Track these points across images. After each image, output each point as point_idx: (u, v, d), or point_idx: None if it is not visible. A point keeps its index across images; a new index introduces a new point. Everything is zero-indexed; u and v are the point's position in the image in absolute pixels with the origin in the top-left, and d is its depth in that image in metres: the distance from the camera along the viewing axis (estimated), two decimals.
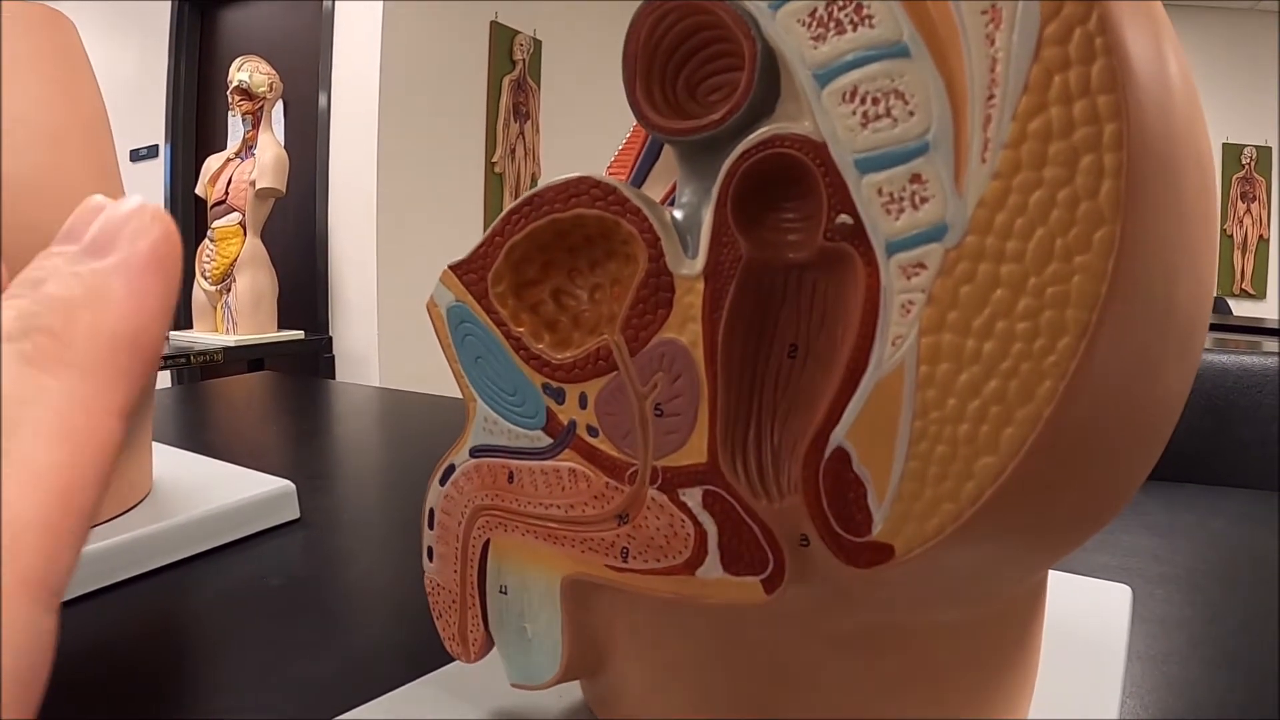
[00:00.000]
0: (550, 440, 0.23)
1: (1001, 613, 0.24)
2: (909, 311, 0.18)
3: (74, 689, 0.38)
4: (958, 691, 0.23)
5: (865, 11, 0.18)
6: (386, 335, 3.33)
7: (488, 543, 0.26)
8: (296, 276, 3.43)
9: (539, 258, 0.23)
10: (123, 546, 0.51)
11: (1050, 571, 0.29)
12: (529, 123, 3.97)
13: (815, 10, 0.19)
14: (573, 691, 0.31)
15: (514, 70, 3.84)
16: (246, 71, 2.70)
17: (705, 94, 0.22)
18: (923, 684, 0.23)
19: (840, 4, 0.19)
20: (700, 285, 0.20)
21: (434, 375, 3.38)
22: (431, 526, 0.28)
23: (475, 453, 0.26)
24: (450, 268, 0.25)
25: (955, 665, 0.23)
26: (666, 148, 0.27)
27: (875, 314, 0.18)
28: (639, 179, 0.28)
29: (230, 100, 2.74)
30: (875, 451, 0.18)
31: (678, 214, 0.21)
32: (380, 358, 3.31)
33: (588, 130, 4.37)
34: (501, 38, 3.75)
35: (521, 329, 0.23)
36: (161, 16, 4.01)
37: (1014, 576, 0.22)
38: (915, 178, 0.18)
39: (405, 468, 0.84)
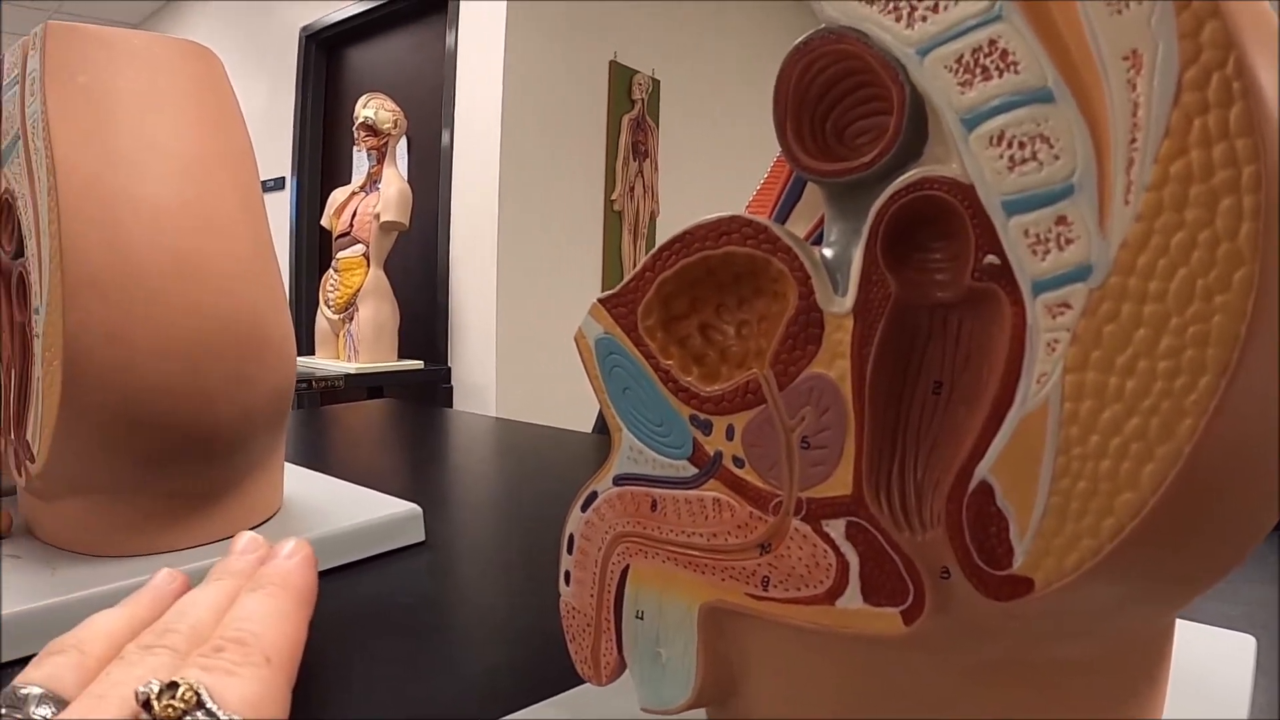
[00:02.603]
0: (696, 470, 0.26)
1: (1130, 653, 0.25)
2: (1054, 350, 0.20)
3: None
4: None
5: (1011, 58, 0.21)
6: (504, 367, 3.49)
7: (627, 569, 0.29)
8: (417, 307, 3.63)
9: (688, 293, 0.26)
10: None
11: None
12: (647, 161, 4.15)
13: (962, 56, 0.21)
14: (699, 714, 0.34)
15: (633, 109, 4.07)
16: (372, 108, 2.92)
17: (853, 136, 0.24)
18: None
19: (986, 50, 0.21)
20: (849, 322, 0.22)
21: (549, 408, 3.51)
22: (570, 551, 0.31)
23: (619, 480, 0.29)
24: (600, 301, 0.28)
25: (1082, 704, 0.25)
26: (809, 185, 0.29)
27: (1021, 352, 0.20)
28: (783, 216, 0.31)
29: (356, 136, 2.96)
30: (1019, 486, 0.20)
31: (827, 252, 0.24)
32: (497, 389, 3.44)
33: (705, 168, 4.61)
34: (620, 77, 3.99)
35: (670, 362, 0.26)
36: (289, 55, 4.45)
37: (1145, 616, 0.24)
38: (1061, 219, 0.20)
39: (523, 497, 0.90)
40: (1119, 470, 0.19)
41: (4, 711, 0.22)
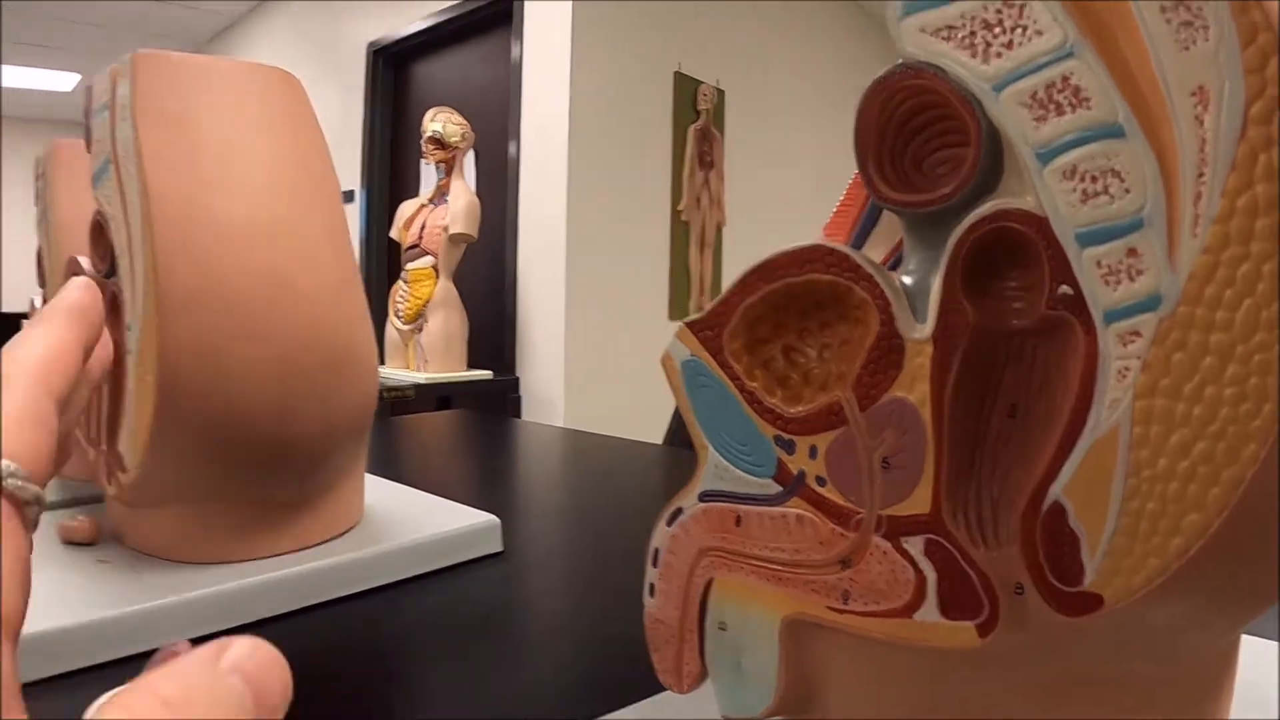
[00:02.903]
0: (780, 488, 0.28)
1: (1193, 671, 0.27)
2: (1125, 377, 0.22)
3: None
4: None
5: (1083, 94, 0.22)
6: (572, 377, 3.58)
7: (710, 582, 0.31)
8: (486, 318, 3.74)
9: (772, 318, 0.28)
10: (338, 568, 0.61)
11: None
12: (713, 171, 4.24)
13: (1036, 92, 0.23)
14: None
15: (698, 120, 4.18)
16: (440, 122, 3.05)
17: (932, 167, 0.26)
18: None
19: (1059, 86, 0.23)
20: (929, 348, 0.24)
21: (617, 418, 3.58)
22: (655, 564, 0.33)
23: (704, 497, 0.31)
24: (686, 325, 0.30)
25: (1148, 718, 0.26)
26: (886, 211, 0.31)
27: (1093, 378, 0.22)
28: (859, 241, 0.33)
29: (424, 149, 3.10)
30: (1090, 507, 0.22)
31: (907, 280, 0.26)
32: (565, 399, 3.52)
33: (771, 178, 4.71)
34: (685, 88, 4.10)
35: (755, 384, 0.28)
36: (358, 70, 4.67)
37: (1208, 634, 0.25)
38: (1132, 251, 0.22)
39: (595, 507, 0.95)
40: (1186, 492, 0.21)
41: None
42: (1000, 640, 0.24)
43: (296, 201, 0.60)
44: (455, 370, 3.10)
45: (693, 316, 0.30)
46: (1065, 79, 0.23)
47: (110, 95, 0.60)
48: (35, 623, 0.45)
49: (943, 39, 0.25)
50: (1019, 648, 0.25)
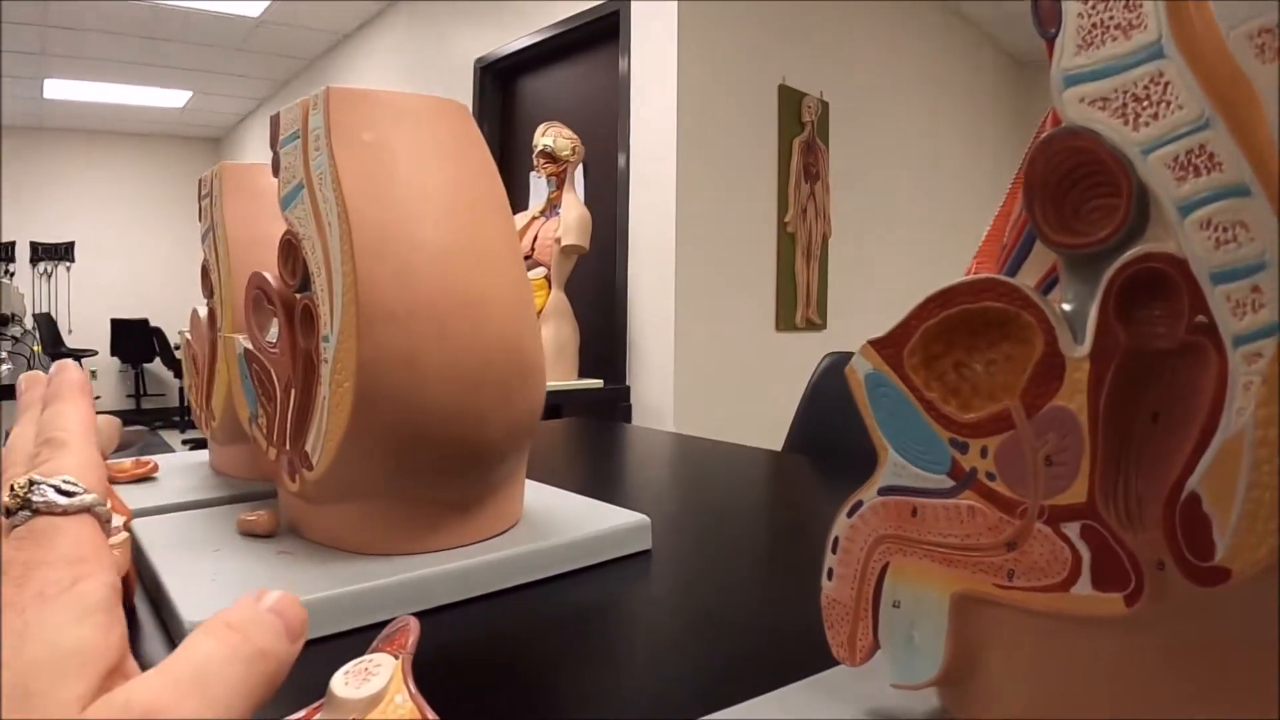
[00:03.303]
0: (953, 483, 0.35)
1: None
2: (1249, 389, 0.28)
3: (455, 677, 0.55)
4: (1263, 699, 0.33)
5: (1216, 159, 0.29)
6: (682, 386, 3.69)
7: (886, 565, 0.39)
8: (597, 328, 3.87)
9: (946, 337, 0.36)
10: (506, 561, 0.70)
11: None
12: (819, 183, 4.36)
13: (1178, 156, 0.30)
14: (930, 698, 0.43)
15: (803, 132, 4.33)
16: (550, 136, 3.20)
17: (1087, 214, 0.33)
18: (1238, 691, 0.32)
19: (1197, 152, 0.30)
20: (1086, 365, 0.31)
21: (726, 426, 3.68)
22: (835, 551, 0.41)
23: (883, 491, 0.38)
24: (869, 343, 0.38)
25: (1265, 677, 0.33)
26: (1036, 244, 0.38)
27: (1224, 391, 0.29)
28: (1013, 270, 0.40)
29: (535, 163, 3.26)
30: (1220, 495, 0.29)
31: (1066, 308, 0.33)
32: (675, 408, 3.63)
33: (875, 189, 4.85)
34: (790, 100, 4.26)
35: (932, 394, 0.36)
36: (464, 86, 4.94)
37: None
38: (1255, 288, 0.28)
39: (725, 509, 1.06)
40: None
41: None
42: (1144, 609, 0.31)
43: (478, 221, 0.69)
44: (567, 379, 3.24)
45: (874, 337, 0.37)
46: (1202, 146, 0.30)
47: (301, 125, 0.69)
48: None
49: (1099, 108, 0.32)
50: (1159, 616, 0.31)
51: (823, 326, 4.40)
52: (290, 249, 0.72)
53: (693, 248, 3.74)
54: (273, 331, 0.77)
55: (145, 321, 9.32)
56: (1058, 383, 0.32)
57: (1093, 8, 0.33)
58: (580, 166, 3.49)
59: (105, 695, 0.26)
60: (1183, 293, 0.30)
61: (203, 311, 1.04)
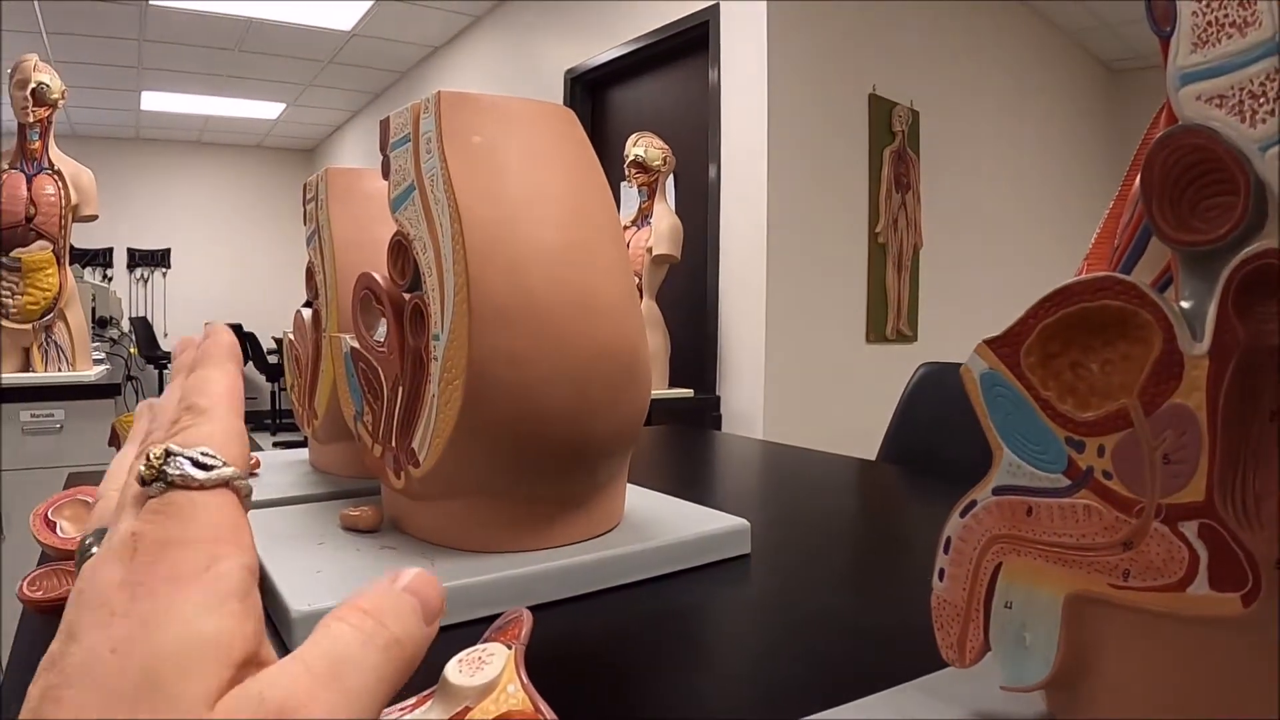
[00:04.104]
0: (1069, 482, 0.36)
1: None
2: None
3: (560, 672, 0.56)
4: None
5: None
6: (772, 396, 3.73)
7: (999, 566, 0.39)
8: (688, 337, 3.90)
9: (1062, 336, 0.36)
10: (610, 561, 0.72)
11: None
12: (910, 193, 4.36)
13: None
14: (1037, 702, 0.43)
15: (894, 142, 4.32)
16: (642, 147, 3.27)
17: (1204, 211, 0.33)
18: None
19: None
20: (1205, 362, 0.32)
21: (815, 436, 3.67)
22: (946, 551, 0.42)
23: (998, 491, 0.39)
24: (985, 342, 0.38)
25: None
26: (1151, 242, 0.39)
27: None
28: (1127, 268, 0.41)
29: (627, 173, 3.31)
30: None
31: (1184, 305, 0.33)
32: (765, 418, 3.66)
33: (967, 200, 4.82)
34: (880, 110, 4.25)
35: (1049, 393, 0.36)
36: (555, 97, 4.98)
37: None
38: None
39: (821, 515, 1.08)
40: None
41: (89, 550, 0.33)
42: (1261, 609, 0.31)
43: (589, 226, 0.71)
44: (658, 388, 3.28)
45: (990, 336, 0.38)
46: None
47: (412, 128, 0.72)
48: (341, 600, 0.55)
49: (1215, 106, 0.33)
50: (1274, 616, 0.31)
51: (913, 338, 4.37)
52: (400, 250, 0.75)
53: (783, 258, 3.76)
54: (380, 331, 0.79)
55: (239, 327, 9.55)
56: (1176, 381, 0.33)
57: (1207, 6, 0.33)
58: (671, 176, 3.53)
59: (237, 687, 0.25)
60: None
61: (306, 313, 1.07)
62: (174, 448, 0.31)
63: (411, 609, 0.30)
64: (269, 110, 8.59)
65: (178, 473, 0.30)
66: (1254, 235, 0.32)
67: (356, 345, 0.82)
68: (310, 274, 1.03)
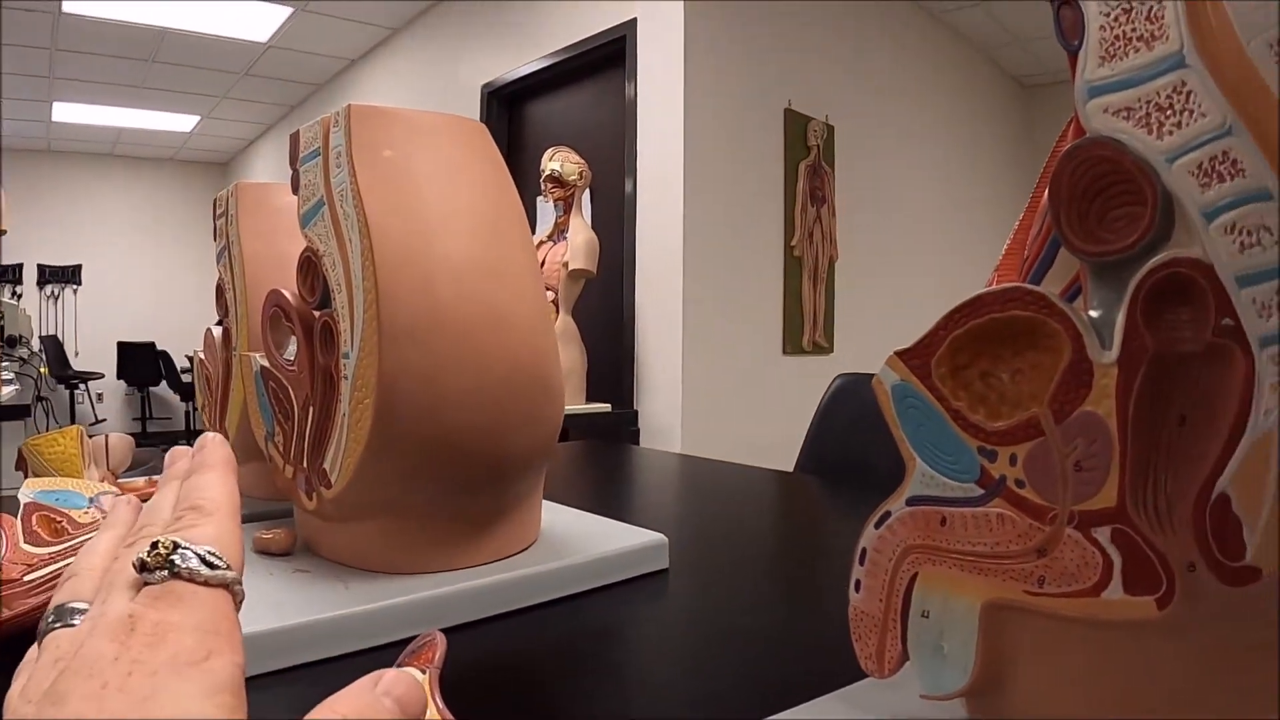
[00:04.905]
0: (982, 491, 0.36)
1: None
2: (1275, 390, 0.29)
3: (476, 694, 0.55)
4: None
5: (1239, 165, 0.30)
6: (689, 410, 3.73)
7: (915, 575, 0.39)
8: (604, 352, 3.88)
9: (973, 346, 0.36)
10: (525, 580, 0.70)
11: None
12: (825, 206, 4.44)
13: (1201, 163, 0.31)
14: (958, 709, 0.43)
15: (809, 156, 4.37)
16: (558, 161, 3.28)
17: (1111, 222, 0.34)
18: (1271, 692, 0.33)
19: (1220, 159, 0.30)
20: (1114, 371, 0.32)
21: (733, 448, 3.69)
22: (862, 563, 0.41)
23: (912, 502, 0.39)
24: (896, 354, 0.38)
25: None
26: (1060, 253, 0.39)
27: (1250, 393, 0.30)
28: (1037, 279, 0.41)
29: (543, 187, 3.30)
30: (1249, 495, 0.29)
31: (1093, 314, 0.33)
32: (683, 432, 3.66)
33: (881, 212, 4.90)
34: (796, 124, 4.30)
35: (960, 403, 0.36)
36: (471, 111, 4.95)
37: None
38: None
39: (737, 528, 1.07)
40: None
41: (56, 622, 0.32)
42: (1176, 612, 0.31)
43: (501, 240, 0.70)
44: (574, 403, 3.27)
45: (901, 348, 0.38)
46: (1225, 153, 0.30)
47: (322, 142, 0.70)
48: (251, 625, 0.54)
49: (1123, 118, 0.33)
50: (1191, 618, 0.32)
51: (829, 350, 4.41)
52: (310, 266, 0.73)
53: (699, 272, 3.78)
54: (290, 349, 0.77)
55: (152, 345, 9.35)
56: (1086, 389, 0.33)
57: (1115, 20, 0.33)
58: (587, 191, 3.52)
59: None
60: (1208, 297, 0.30)
61: (217, 331, 1.05)
62: (182, 542, 0.32)
63: (389, 714, 0.30)
64: (183, 123, 8.41)
65: (185, 566, 0.31)
66: (1161, 245, 0.32)
67: (266, 364, 0.80)
68: (220, 291, 1.01)
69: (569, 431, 3.18)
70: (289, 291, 0.76)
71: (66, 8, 5.26)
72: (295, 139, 0.75)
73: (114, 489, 0.80)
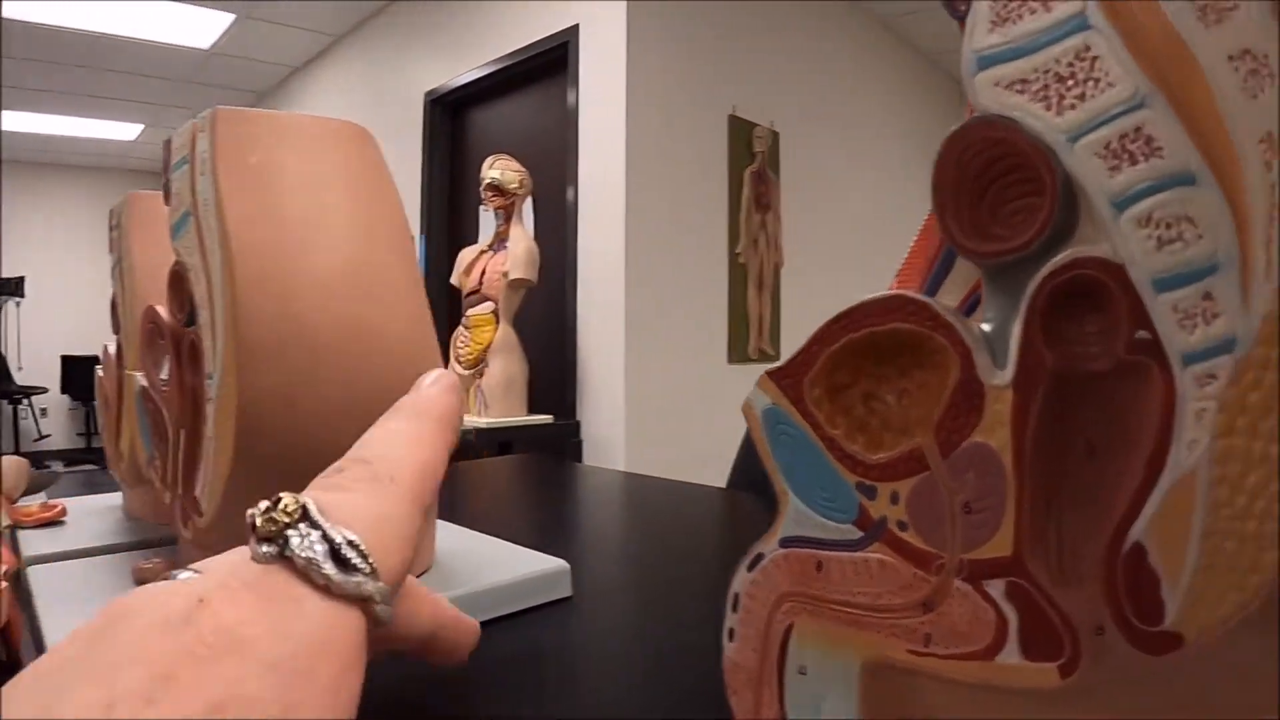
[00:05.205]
0: (861, 533, 0.30)
1: None
2: (1202, 418, 0.23)
3: None
4: None
5: (1156, 143, 0.24)
6: (633, 421, 3.66)
7: (791, 626, 0.33)
8: (547, 362, 3.82)
9: (851, 364, 0.30)
10: None
11: None
12: (770, 213, 4.39)
13: (1110, 142, 0.25)
14: None
15: (754, 162, 4.36)
16: (498, 170, 3.21)
17: (1008, 216, 0.28)
18: None
19: (1132, 137, 0.25)
20: (1009, 394, 0.26)
21: (678, 461, 3.64)
22: (735, 610, 0.35)
23: (785, 543, 0.33)
24: (767, 374, 0.32)
25: None
26: (960, 257, 0.33)
27: (1171, 420, 0.24)
28: (934, 287, 0.35)
29: (483, 196, 3.24)
30: (1170, 546, 0.24)
31: (986, 327, 0.28)
32: (626, 443, 3.60)
33: (827, 219, 4.91)
34: (740, 131, 4.28)
35: (836, 430, 0.30)
36: (415, 118, 4.91)
37: None
38: (1207, 295, 0.23)
39: (660, 551, 0.98)
40: (1263, 530, 0.22)
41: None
42: (1083, 680, 0.26)
43: (375, 251, 0.63)
44: (516, 415, 3.21)
45: (772, 365, 0.32)
46: (1138, 129, 0.25)
47: (190, 149, 0.64)
48: None
49: (1017, 92, 0.27)
50: (1103, 687, 0.26)
51: (776, 357, 4.36)
52: (179, 281, 0.67)
53: (642, 280, 3.72)
54: (167, 368, 0.71)
55: (96, 359, 9.16)
56: (976, 415, 0.27)
57: None
58: (529, 199, 3.46)
59: None
60: (1119, 303, 0.25)
61: (114, 348, 0.98)
62: (314, 510, 0.23)
63: None
64: (127, 131, 8.23)
65: (302, 552, 0.22)
66: (1063, 242, 0.26)
67: (146, 384, 0.74)
68: (114, 306, 0.94)
69: (511, 444, 3.13)
70: (164, 309, 0.69)
71: (4, 14, 5.12)
72: (167, 146, 0.69)
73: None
